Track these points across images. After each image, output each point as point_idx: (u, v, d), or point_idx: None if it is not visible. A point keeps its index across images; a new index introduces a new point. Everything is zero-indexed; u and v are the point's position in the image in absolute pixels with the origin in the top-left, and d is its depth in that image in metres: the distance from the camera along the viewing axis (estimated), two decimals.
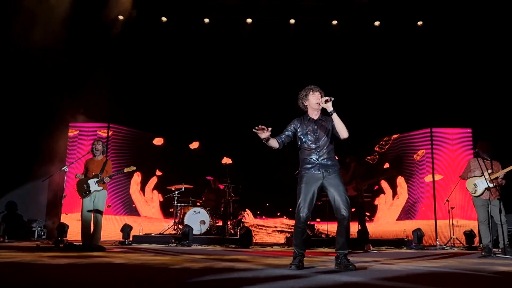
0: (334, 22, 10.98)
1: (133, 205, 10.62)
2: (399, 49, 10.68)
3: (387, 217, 10.82)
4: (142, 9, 10.51)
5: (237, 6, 10.59)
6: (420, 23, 10.73)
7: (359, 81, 10.67)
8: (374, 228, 10.73)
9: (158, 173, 11.24)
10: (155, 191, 11.16)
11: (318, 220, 9.96)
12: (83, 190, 6.60)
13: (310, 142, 4.28)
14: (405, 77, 10.59)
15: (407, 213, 10.37)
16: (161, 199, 11.10)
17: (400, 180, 10.63)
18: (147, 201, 11.03)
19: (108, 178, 6.68)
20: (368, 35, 10.90)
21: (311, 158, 4.25)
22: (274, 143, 4.28)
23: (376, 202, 11.12)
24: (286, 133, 4.38)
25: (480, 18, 9.87)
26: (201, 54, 10.97)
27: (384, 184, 10.98)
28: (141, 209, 10.79)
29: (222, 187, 9.87)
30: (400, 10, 10.51)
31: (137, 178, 10.71)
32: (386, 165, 10.89)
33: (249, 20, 10.95)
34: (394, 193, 10.81)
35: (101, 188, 6.64)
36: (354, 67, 10.75)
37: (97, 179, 6.61)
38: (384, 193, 11.05)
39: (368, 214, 10.88)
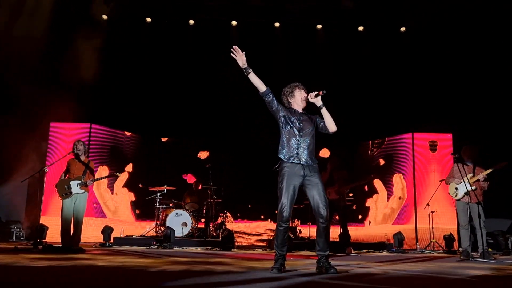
0: (319, 26, 11.05)
1: (94, 204, 9.72)
2: (382, 55, 10.82)
3: (384, 220, 10.42)
4: (126, 9, 10.45)
5: (222, 8, 10.58)
6: (403, 29, 10.87)
7: (343, 85, 10.74)
8: (366, 231, 10.59)
9: (129, 168, 10.66)
10: (125, 189, 10.51)
11: (310, 223, 9.89)
12: (64, 191, 6.50)
13: (294, 128, 4.27)
14: (387, 82, 10.72)
15: (406, 215, 9.99)
16: (133, 199, 10.64)
17: (398, 178, 10.25)
18: (115, 200, 10.25)
19: (91, 182, 6.62)
20: (353, 40, 11.00)
21: (291, 144, 4.23)
22: (259, 83, 4.26)
23: (368, 204, 10.84)
24: (274, 98, 4.35)
25: (461, 25, 10.06)
26: (185, 55, 10.93)
27: (377, 183, 10.68)
28: (106, 211, 10.03)
29: (200, 187, 9.84)
30: (384, 16, 10.64)
31: (104, 174, 9.82)
32: (382, 162, 10.72)
33: (234, 23, 10.96)
34: (389, 193, 10.46)
35: (83, 191, 6.56)
36: (338, 71, 10.83)
37: (79, 182, 6.53)
38: (377, 193, 10.69)
39: (360, 217, 10.86)
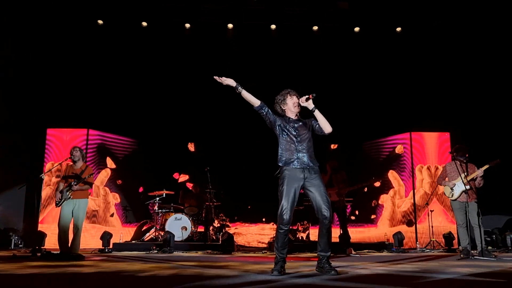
0: (315, 27, 11.05)
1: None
2: (378, 55, 10.81)
3: (407, 219, 9.69)
4: (121, 13, 10.44)
5: (218, 11, 10.56)
6: (398, 29, 10.88)
7: (340, 85, 10.75)
8: (376, 232, 10.14)
9: (111, 164, 10.18)
10: (105, 188, 9.96)
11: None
12: (58, 199, 6.50)
13: (290, 135, 4.31)
14: (384, 82, 10.72)
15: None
16: (118, 200, 10.25)
17: (425, 171, 9.58)
18: (96, 203, 9.65)
19: (77, 187, 6.48)
20: (349, 41, 10.98)
21: (291, 151, 4.26)
22: (252, 98, 4.35)
23: (381, 201, 10.37)
24: (269, 110, 4.40)
25: (458, 25, 10.08)
26: (181, 58, 10.90)
27: (393, 176, 10.17)
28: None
29: (191, 186, 9.80)
30: (380, 16, 10.64)
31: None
32: (399, 149, 10.21)
33: (230, 25, 10.94)
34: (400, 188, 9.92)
35: (70, 196, 6.48)
36: (335, 72, 10.84)
37: (68, 188, 6.50)
38: (393, 188, 10.13)
39: (373, 217, 10.56)
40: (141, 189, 10.53)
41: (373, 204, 10.59)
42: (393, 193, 10.27)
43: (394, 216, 10.14)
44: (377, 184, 10.45)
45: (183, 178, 11.10)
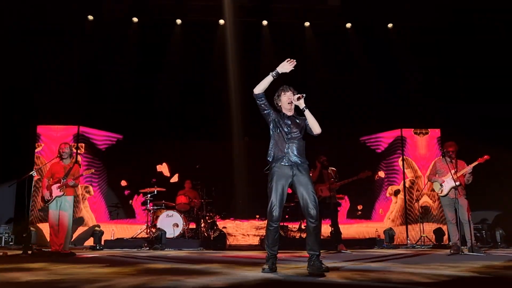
0: (307, 24, 11.03)
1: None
2: (369, 51, 10.82)
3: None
4: (112, 9, 10.35)
5: (208, 7, 10.50)
6: (390, 25, 10.89)
7: (331, 82, 10.75)
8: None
9: (81, 151, 9.74)
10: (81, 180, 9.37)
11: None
12: (47, 197, 6.46)
13: (282, 132, 4.31)
14: (375, 79, 10.72)
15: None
16: (92, 194, 9.82)
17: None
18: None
19: (71, 184, 6.47)
20: (340, 37, 10.98)
21: (280, 148, 4.27)
22: (264, 85, 4.31)
23: (389, 193, 10.09)
24: (267, 103, 4.40)
25: (449, 21, 10.13)
26: (172, 55, 10.80)
27: (407, 163, 9.80)
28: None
29: (187, 186, 9.81)
30: (371, 13, 10.64)
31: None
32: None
33: (221, 22, 10.87)
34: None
35: (62, 193, 6.45)
36: (327, 69, 10.84)
37: (59, 184, 6.46)
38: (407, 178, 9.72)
39: (380, 211, 10.33)
40: (123, 183, 10.42)
41: (388, 194, 10.25)
42: (408, 184, 9.85)
43: (410, 211, 9.63)
44: (382, 174, 10.37)
45: (165, 168, 10.98)
